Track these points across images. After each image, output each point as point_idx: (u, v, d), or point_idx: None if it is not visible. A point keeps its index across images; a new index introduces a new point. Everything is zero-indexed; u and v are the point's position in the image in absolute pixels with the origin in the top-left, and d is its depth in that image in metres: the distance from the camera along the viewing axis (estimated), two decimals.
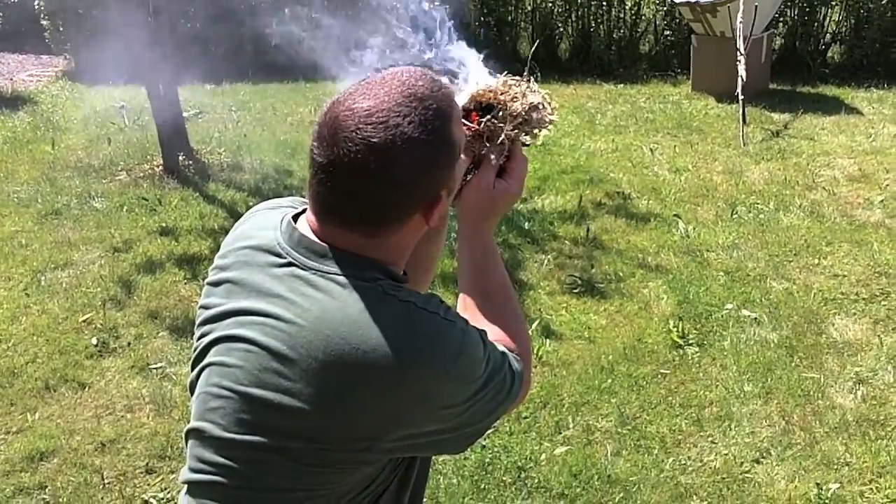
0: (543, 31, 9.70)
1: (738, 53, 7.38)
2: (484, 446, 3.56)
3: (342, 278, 1.35)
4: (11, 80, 10.34)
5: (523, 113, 1.55)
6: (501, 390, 1.42)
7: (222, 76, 10.17)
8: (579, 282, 4.89)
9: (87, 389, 4.10)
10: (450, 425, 1.38)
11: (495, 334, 1.50)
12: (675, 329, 4.34)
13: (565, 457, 3.50)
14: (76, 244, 5.64)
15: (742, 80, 7.23)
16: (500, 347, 1.46)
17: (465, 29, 9.77)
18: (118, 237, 5.72)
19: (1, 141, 7.86)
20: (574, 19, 9.74)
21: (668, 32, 9.57)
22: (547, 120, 1.58)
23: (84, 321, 4.67)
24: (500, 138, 1.52)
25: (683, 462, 3.48)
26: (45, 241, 5.68)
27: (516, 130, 1.55)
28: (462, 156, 1.44)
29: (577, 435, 3.65)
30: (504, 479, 3.40)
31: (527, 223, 5.65)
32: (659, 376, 4.03)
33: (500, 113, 1.53)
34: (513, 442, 3.60)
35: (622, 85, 9.04)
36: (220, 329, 1.43)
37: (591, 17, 9.64)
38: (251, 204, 6.23)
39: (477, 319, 1.52)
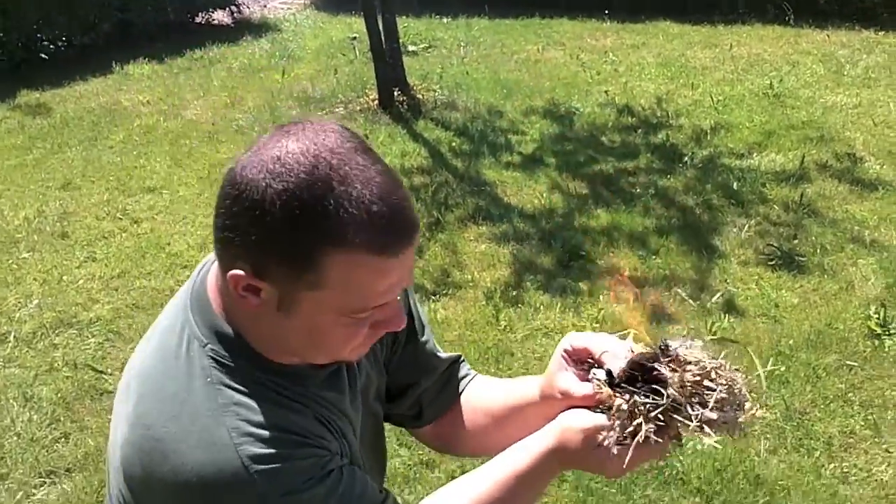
0: None
1: None
2: None
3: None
4: (265, 6, 10.78)
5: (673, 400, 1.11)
6: None
7: (458, 9, 10.11)
8: (778, 253, 4.45)
9: None
10: None
11: None
12: (877, 315, 3.84)
13: (713, 448, 3.19)
14: None
15: None
16: None
17: None
18: None
19: (237, 67, 8.20)
20: None
21: None
22: (739, 424, 1.12)
23: None
24: (635, 424, 1.12)
25: (847, 470, 3.07)
26: None
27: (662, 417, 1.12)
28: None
29: None
30: None
31: (736, 183, 5.21)
32: (843, 368, 3.58)
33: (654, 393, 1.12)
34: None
35: (883, 32, 8.12)
36: None
37: None
38: (454, 145, 6.15)
39: None
